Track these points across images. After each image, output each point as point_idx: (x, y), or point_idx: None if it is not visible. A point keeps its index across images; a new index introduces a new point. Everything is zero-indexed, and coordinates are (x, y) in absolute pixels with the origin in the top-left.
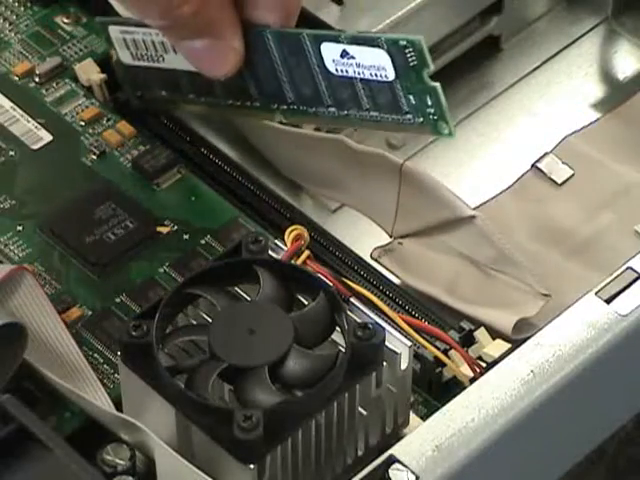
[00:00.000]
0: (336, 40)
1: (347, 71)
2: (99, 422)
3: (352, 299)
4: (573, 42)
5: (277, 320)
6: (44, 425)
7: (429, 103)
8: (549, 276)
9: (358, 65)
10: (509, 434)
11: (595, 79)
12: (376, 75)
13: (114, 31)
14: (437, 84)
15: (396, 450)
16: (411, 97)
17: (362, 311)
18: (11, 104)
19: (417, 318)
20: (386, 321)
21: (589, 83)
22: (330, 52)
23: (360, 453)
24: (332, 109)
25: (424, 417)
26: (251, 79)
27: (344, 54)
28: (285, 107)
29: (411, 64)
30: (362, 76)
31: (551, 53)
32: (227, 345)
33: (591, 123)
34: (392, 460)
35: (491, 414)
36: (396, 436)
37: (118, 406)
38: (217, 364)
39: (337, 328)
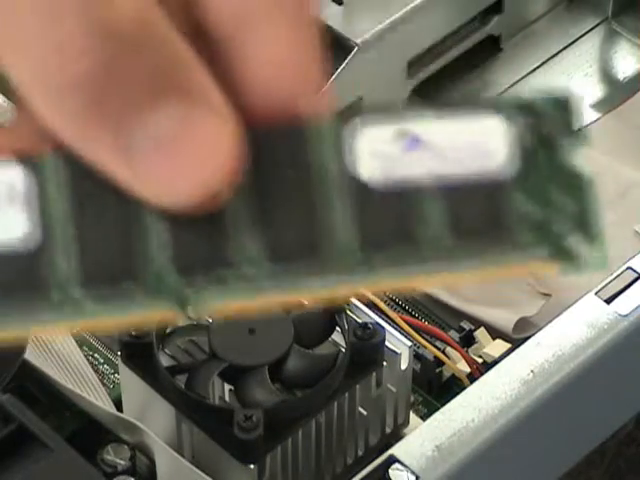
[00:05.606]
0: (389, 113)
1: (402, 174)
2: (99, 422)
3: (352, 299)
4: (573, 42)
5: (277, 320)
6: (44, 425)
7: (568, 210)
8: (549, 276)
9: (433, 153)
10: (509, 434)
11: (595, 79)
12: (465, 166)
13: None
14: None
15: (396, 450)
16: (530, 204)
17: (362, 311)
18: (12, 104)
19: (417, 318)
20: (386, 321)
21: (589, 83)
22: (374, 140)
23: (360, 453)
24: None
25: (424, 417)
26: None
27: (409, 140)
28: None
29: (546, 135)
30: (435, 172)
31: (551, 53)
32: (227, 345)
33: (591, 123)
34: (392, 460)
35: (491, 414)
36: (396, 436)
37: (118, 406)
38: (217, 364)
39: (337, 328)
